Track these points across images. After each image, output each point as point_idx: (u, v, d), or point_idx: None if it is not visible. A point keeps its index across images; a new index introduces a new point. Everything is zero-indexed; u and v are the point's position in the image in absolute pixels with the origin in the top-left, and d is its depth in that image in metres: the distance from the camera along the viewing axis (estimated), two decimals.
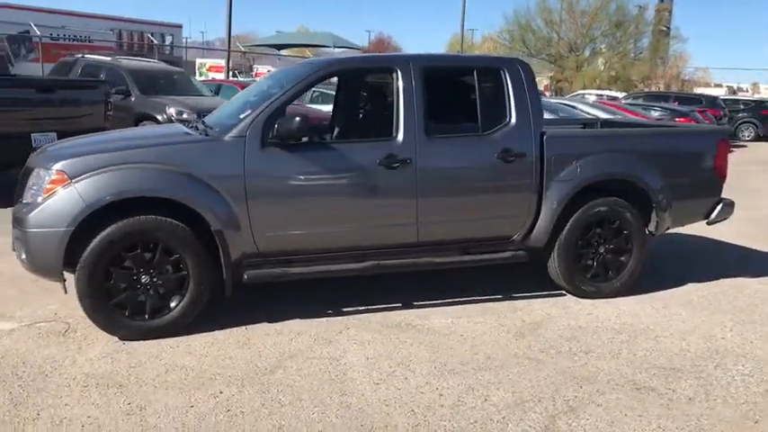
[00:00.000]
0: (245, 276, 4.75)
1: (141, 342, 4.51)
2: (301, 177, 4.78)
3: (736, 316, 5.27)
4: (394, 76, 5.07)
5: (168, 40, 44.11)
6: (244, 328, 4.79)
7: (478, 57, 5.35)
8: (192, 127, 5.12)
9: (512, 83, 5.31)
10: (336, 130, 6.09)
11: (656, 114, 19.76)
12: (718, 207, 5.96)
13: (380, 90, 5.67)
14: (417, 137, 4.98)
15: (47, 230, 4.32)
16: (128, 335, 4.54)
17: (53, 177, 4.40)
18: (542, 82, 41.98)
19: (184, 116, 12.56)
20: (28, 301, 5.26)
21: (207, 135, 4.78)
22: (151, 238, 4.49)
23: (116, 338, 4.54)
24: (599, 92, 32.02)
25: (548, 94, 36.63)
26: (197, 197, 4.52)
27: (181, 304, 4.61)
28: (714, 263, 6.95)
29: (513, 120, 5.27)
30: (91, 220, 4.37)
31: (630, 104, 20.54)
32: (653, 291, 5.81)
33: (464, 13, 33.19)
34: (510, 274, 6.04)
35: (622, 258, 5.64)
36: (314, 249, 4.95)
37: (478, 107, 5.22)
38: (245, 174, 4.62)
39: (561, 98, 19.20)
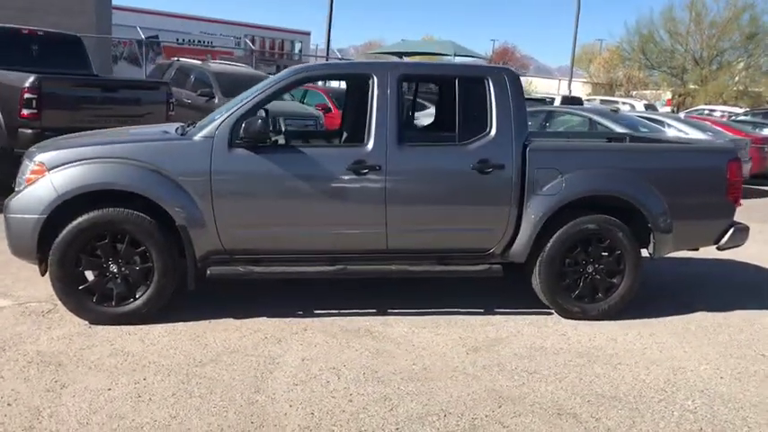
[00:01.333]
0: (209, 272, 4.93)
1: (107, 327, 4.78)
2: (267, 179, 4.91)
3: (726, 350, 4.89)
4: (370, 83, 5.09)
5: (297, 47, 45.91)
6: (207, 321, 4.96)
7: (463, 66, 5.30)
8: (181, 127, 5.36)
9: (495, 93, 5.20)
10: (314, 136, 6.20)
11: (766, 132, 18.41)
12: (730, 231, 5.54)
13: (358, 97, 5.71)
14: (388, 144, 4.98)
15: (23, 217, 4.68)
16: (95, 319, 4.83)
17: (34, 168, 4.76)
18: (663, 95, 40.08)
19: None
20: (36, 282, 5.67)
21: (182, 135, 5.00)
22: (119, 230, 4.77)
23: (87, 322, 4.83)
24: (722, 108, 30.22)
25: (669, 109, 34.91)
26: (162, 193, 4.75)
27: (146, 294, 4.85)
28: (736, 289, 6.45)
29: (494, 131, 5.16)
30: (72, 209, 4.68)
31: (738, 122, 19.25)
32: (650, 316, 5.49)
33: (577, 25, 32.23)
34: (508, 288, 5.88)
35: (614, 280, 5.36)
36: (280, 250, 5.06)
37: (457, 117, 5.15)
38: (211, 173, 4.80)
39: (651, 113, 18.29)
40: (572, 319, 5.34)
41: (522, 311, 5.48)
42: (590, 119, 12.55)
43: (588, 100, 27.20)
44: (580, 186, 5.21)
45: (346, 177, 4.94)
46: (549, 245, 5.23)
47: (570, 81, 33.16)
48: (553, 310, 5.44)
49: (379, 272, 5.14)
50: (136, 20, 33.15)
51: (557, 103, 21.57)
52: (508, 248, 5.27)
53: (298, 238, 5.03)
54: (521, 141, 5.17)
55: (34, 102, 8.60)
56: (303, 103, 16.11)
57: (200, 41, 35.60)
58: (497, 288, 5.82)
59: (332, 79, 5.61)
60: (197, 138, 4.87)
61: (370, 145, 4.99)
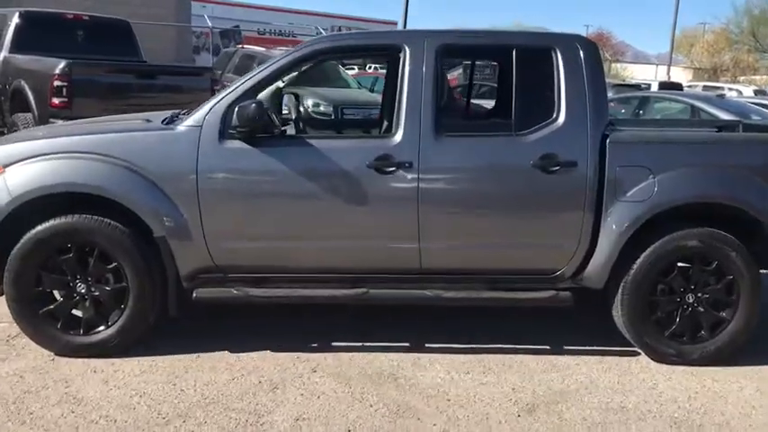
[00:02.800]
0: (195, 294, 3.95)
1: (73, 360, 3.89)
2: (268, 178, 3.89)
3: None
4: (401, 56, 3.97)
5: None
6: (195, 356, 3.99)
7: (523, 33, 4.10)
8: (173, 115, 4.40)
9: (565, 68, 3.97)
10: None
11: None
12: None
13: (391, 77, 4.58)
14: (423, 135, 3.86)
15: None
16: (60, 349, 3.95)
17: None
18: None
19: (321, 108, 12.13)
20: None
21: (166, 124, 4.03)
22: (86, 242, 3.85)
23: (53, 353, 3.95)
24: None
25: None
26: (136, 195, 3.80)
27: (120, 321, 3.93)
28: None
29: (563, 117, 3.94)
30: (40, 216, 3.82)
31: None
32: None
33: (677, 6, 29.76)
34: (580, 319, 4.62)
35: (722, 314, 4.05)
36: (285, 268, 4.03)
37: (514, 99, 3.95)
38: (197, 171, 3.81)
39: (763, 98, 16.24)
40: (665, 363, 4.07)
41: (598, 351, 4.25)
42: (691, 105, 10.92)
43: (689, 86, 24.99)
44: (680, 190, 3.93)
45: (368, 177, 3.85)
46: (635, 266, 3.97)
47: (669, 66, 30.74)
48: (640, 352, 4.17)
49: (410, 298, 4.03)
50: (222, 11, 33.20)
51: (653, 88, 19.70)
52: (581, 270, 4.05)
53: (307, 254, 3.99)
54: (599, 131, 3.94)
55: (65, 89, 7.94)
56: (373, 91, 15.10)
57: (281, 32, 35.16)
58: (567, 319, 4.56)
59: (355, 55, 4.46)
60: (181, 128, 3.89)
61: (399, 136, 3.87)
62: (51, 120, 7.91)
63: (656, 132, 4.50)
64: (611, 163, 3.90)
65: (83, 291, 3.91)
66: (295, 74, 5.02)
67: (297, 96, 5.52)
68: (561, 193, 3.93)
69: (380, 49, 4.21)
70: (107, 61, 8.86)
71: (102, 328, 3.94)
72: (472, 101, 5.92)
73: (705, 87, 24.08)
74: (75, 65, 7.98)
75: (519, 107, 3.94)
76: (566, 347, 4.27)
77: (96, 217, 3.81)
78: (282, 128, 4.22)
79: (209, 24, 20.90)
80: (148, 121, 4.24)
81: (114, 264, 3.86)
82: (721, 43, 40.39)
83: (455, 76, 21.91)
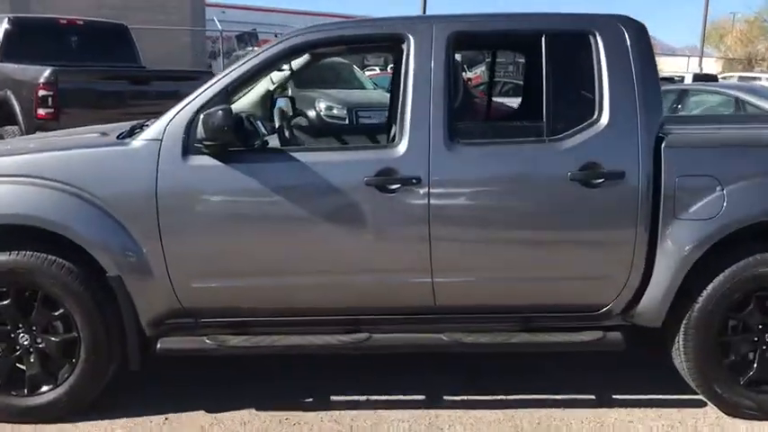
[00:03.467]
0: (158, 345, 3.24)
1: (15, 427, 3.21)
2: (244, 201, 3.18)
3: None
4: (404, 48, 3.23)
5: None
6: (163, 418, 3.29)
7: (555, 16, 3.32)
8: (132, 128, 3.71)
9: (608, 57, 3.21)
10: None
11: None
12: None
13: (395, 75, 3.85)
14: (433, 144, 3.12)
15: None
16: None
17: None
18: None
19: (334, 111, 11.44)
20: None
21: (123, 138, 3.33)
22: (28, 284, 3.17)
23: None
24: None
25: None
26: (83, 226, 3.11)
27: (69, 378, 3.24)
28: None
29: (606, 117, 3.18)
30: None
31: None
32: None
33: None
34: (633, 363, 3.81)
35: None
36: (268, 310, 3.32)
37: (546, 97, 3.20)
38: (157, 194, 3.11)
39: None
40: (741, 418, 3.28)
41: (655, 401, 3.46)
42: (736, 97, 10.01)
43: (724, 77, 23.86)
44: (757, 204, 3.14)
45: (367, 197, 3.12)
46: (701, 299, 3.19)
47: (701, 57, 29.53)
48: (708, 403, 3.38)
49: (422, 345, 3.30)
50: (241, 15, 32.75)
51: (687, 81, 18.70)
52: (633, 305, 3.28)
53: (295, 292, 3.27)
54: (651, 132, 3.17)
55: (50, 99, 7.32)
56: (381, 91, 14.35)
57: None
58: (617, 363, 3.76)
59: (351, 48, 3.72)
60: (137, 143, 3.19)
61: (404, 145, 3.14)
62: (39, 132, 7.31)
63: (722, 133, 3.69)
64: (668, 172, 3.12)
65: (26, 342, 3.23)
66: (287, 74, 4.36)
67: (293, 100, 4.80)
68: (607, 211, 3.17)
69: (380, 40, 3.46)
70: (97, 67, 8.23)
71: (49, 387, 3.25)
72: (496, 99, 5.15)
73: (741, 78, 22.94)
74: (61, 72, 7.37)
75: (551, 107, 3.18)
76: (615, 397, 3.49)
77: (38, 254, 3.13)
78: (266, 138, 3.51)
79: (219, 28, 20.27)
80: (104, 134, 3.54)
81: (62, 310, 3.17)
82: (755, 32, 38.94)
83: (478, 73, 21.10)
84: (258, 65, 3.24)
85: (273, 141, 3.66)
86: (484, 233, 3.19)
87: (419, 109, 3.14)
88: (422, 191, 3.11)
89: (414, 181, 3.10)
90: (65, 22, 9.23)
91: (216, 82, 3.22)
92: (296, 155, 3.20)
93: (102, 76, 7.94)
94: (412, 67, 3.18)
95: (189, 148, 3.13)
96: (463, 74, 24.07)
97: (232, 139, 3.07)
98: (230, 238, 3.17)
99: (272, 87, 4.51)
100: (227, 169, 3.12)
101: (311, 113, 11.60)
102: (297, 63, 4.50)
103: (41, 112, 7.30)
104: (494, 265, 3.22)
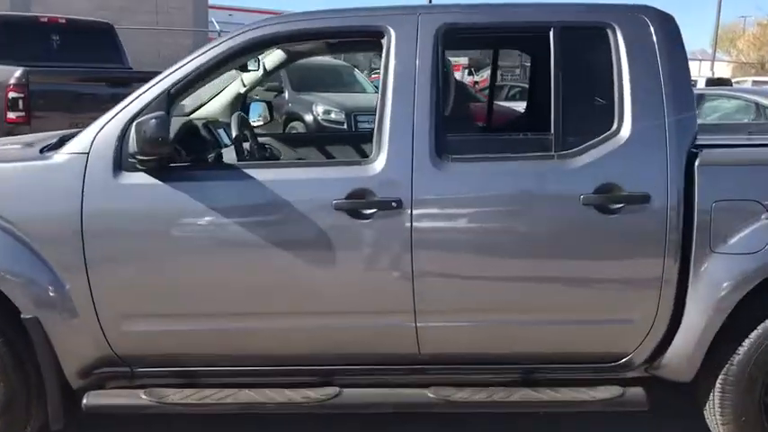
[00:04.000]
0: (84, 401, 2.69)
1: None
2: (188, 227, 2.63)
3: None
4: (384, 44, 2.68)
5: None
6: None
7: (562, 5, 2.75)
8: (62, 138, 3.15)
9: (629, 56, 2.65)
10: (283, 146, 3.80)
11: None
12: None
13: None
14: (417, 159, 2.56)
15: None
16: None
17: None
18: None
19: (332, 116, 10.92)
20: None
21: (47, 151, 2.78)
22: None
23: None
24: None
25: None
26: None
27: None
28: None
29: (627, 128, 2.62)
30: None
31: None
32: None
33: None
34: (659, 423, 3.22)
35: None
36: (218, 359, 2.76)
37: (554, 104, 2.63)
38: (82, 218, 2.56)
39: None
40: None
41: None
42: (756, 102, 9.42)
43: (737, 82, 23.19)
44: None
45: (336, 223, 2.57)
46: (743, 350, 2.63)
47: (713, 61, 28.86)
48: None
49: (403, 402, 2.73)
50: (246, 18, 32.28)
51: (700, 85, 18.07)
52: (659, 355, 2.71)
53: (250, 338, 2.72)
54: (682, 148, 2.60)
55: (21, 102, 6.81)
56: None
57: None
58: (640, 424, 3.16)
59: (325, 44, 3.18)
60: (60, 157, 2.65)
61: (381, 161, 2.58)
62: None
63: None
64: (702, 196, 2.56)
65: None
66: (259, 75, 3.82)
67: (270, 106, 4.26)
68: (628, 243, 2.61)
69: (355, 34, 2.89)
70: (74, 68, 7.70)
71: None
72: (503, 104, 4.56)
73: (755, 83, 22.27)
74: (33, 73, 6.87)
75: (561, 116, 2.62)
76: None
77: None
78: (221, 151, 2.97)
79: (218, 29, 19.79)
80: (29, 145, 3.00)
81: None
82: (767, 36, 38.21)
83: (485, 77, 20.45)
84: (207, 63, 2.69)
85: (230, 154, 3.10)
86: (478, 268, 2.63)
87: (400, 117, 2.59)
88: (403, 216, 2.55)
89: (393, 204, 2.54)
90: (45, 20, 8.71)
91: (156, 84, 2.68)
92: (252, 172, 2.64)
93: (79, 77, 7.42)
94: (393, 66, 2.63)
95: (122, 163, 2.59)
96: (470, 77, 23.59)
97: (171, 153, 2.53)
98: (171, 273, 2.63)
99: (242, 90, 3.96)
100: (166, 189, 2.57)
101: (308, 118, 11.10)
102: (271, 62, 3.96)
103: (11, 115, 6.81)
104: (490, 306, 2.66)
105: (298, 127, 11.25)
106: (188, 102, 4.04)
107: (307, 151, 4.11)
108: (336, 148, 4.12)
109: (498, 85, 19.73)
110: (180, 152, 2.79)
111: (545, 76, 2.79)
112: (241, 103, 4.07)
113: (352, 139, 4.18)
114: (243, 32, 2.72)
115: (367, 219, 2.56)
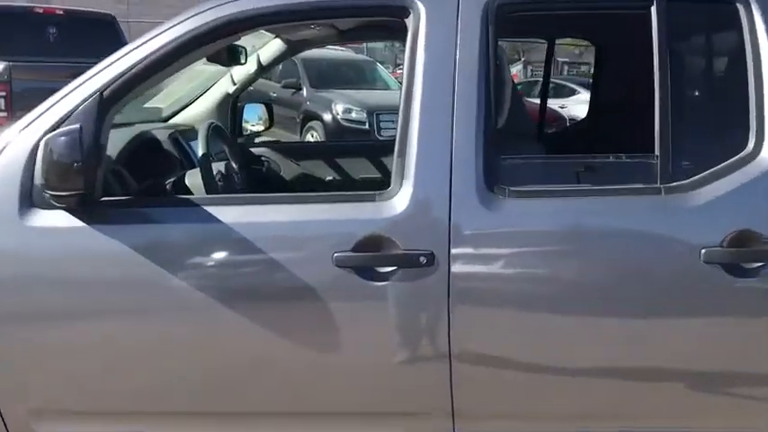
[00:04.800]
0: None
1: None
2: (122, 292, 1.82)
3: None
4: (410, 26, 1.84)
5: None
6: None
7: None
8: None
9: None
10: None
11: None
12: None
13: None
14: (457, 193, 1.73)
15: None
16: None
17: None
18: None
19: (353, 115, 10.15)
20: None
21: None
22: None
23: None
24: None
25: None
26: None
27: None
28: None
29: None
30: None
31: None
32: None
33: None
34: None
35: None
36: None
37: (659, 111, 1.78)
38: None
39: None
40: None
41: None
42: None
43: None
44: None
45: (338, 285, 1.76)
46: None
47: None
48: None
49: None
50: None
51: None
52: None
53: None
54: None
55: (2, 101, 6.10)
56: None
57: None
58: None
59: (327, 28, 2.42)
60: None
61: (403, 196, 1.76)
62: None
63: None
64: None
65: None
66: (252, 71, 3.03)
67: (269, 108, 3.47)
68: None
69: (367, 11, 2.05)
70: (62, 63, 6.97)
71: None
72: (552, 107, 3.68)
73: None
74: (16, 68, 6.18)
75: (670, 130, 1.77)
76: None
77: None
78: (187, 174, 2.16)
79: None
80: None
81: None
82: None
83: (514, 72, 19.29)
84: (157, 54, 1.87)
85: (195, 179, 2.27)
86: (547, 353, 1.79)
87: (433, 132, 1.77)
88: (436, 277, 1.73)
89: (422, 260, 1.72)
90: (41, 11, 8.03)
91: (82, 84, 1.87)
92: (216, 211, 1.81)
93: (71, 73, 6.66)
94: (422, 58, 1.81)
95: (32, 198, 1.79)
96: None
97: (92, 183, 1.72)
98: (101, 353, 1.83)
99: (232, 89, 3.16)
100: (90, 235, 1.77)
101: (327, 117, 10.33)
102: (267, 54, 3.16)
103: None
104: (563, 407, 1.83)
105: (316, 127, 10.53)
106: (164, 105, 3.28)
107: (313, 165, 3.32)
108: (354, 163, 3.32)
109: (528, 81, 18.60)
110: (124, 178, 1.99)
111: (633, 71, 1.95)
112: (231, 106, 3.28)
113: (375, 151, 3.36)
114: (209, 9, 1.89)
115: (384, 280, 1.74)
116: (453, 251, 1.72)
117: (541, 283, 1.76)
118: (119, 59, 1.86)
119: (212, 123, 2.32)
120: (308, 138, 10.43)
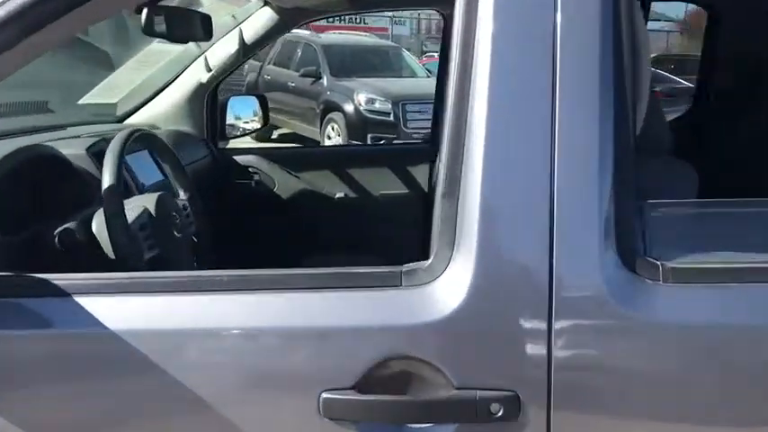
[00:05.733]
0: None
1: None
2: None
3: None
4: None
5: None
6: None
7: None
8: None
9: None
10: None
11: None
12: None
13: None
14: (562, 274, 0.85)
15: None
16: None
17: None
18: None
19: (376, 105, 9.36)
20: None
21: None
22: None
23: None
24: None
25: None
26: None
27: None
28: None
29: None
30: None
31: None
32: None
33: None
34: None
35: None
36: None
37: None
38: None
39: None
40: None
41: None
42: None
43: None
44: None
45: None
46: None
47: None
48: None
49: None
50: None
51: None
52: None
53: None
54: None
55: None
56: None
57: (350, 19, 32.44)
58: None
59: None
60: None
61: (457, 280, 0.87)
62: None
63: None
64: None
65: None
66: (233, 52, 2.21)
67: (264, 101, 2.64)
68: None
69: None
70: None
71: None
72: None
73: None
74: None
75: None
76: None
77: None
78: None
79: None
80: None
81: None
82: None
83: None
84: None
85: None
86: None
87: (513, 157, 0.88)
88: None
89: (494, 409, 0.85)
90: None
91: None
92: (112, 301, 0.95)
93: None
94: (488, 26, 0.92)
95: None
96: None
97: None
98: None
99: (206, 77, 2.30)
100: None
101: (348, 108, 9.52)
102: (252, 29, 2.32)
103: None
104: None
105: (336, 119, 9.78)
106: (120, 99, 2.46)
107: (318, 177, 2.48)
108: (373, 175, 2.48)
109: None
110: None
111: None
112: (208, 100, 2.43)
113: (400, 158, 2.51)
114: None
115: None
116: (555, 392, 0.86)
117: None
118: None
119: (135, 131, 1.43)
120: (329, 131, 9.70)
